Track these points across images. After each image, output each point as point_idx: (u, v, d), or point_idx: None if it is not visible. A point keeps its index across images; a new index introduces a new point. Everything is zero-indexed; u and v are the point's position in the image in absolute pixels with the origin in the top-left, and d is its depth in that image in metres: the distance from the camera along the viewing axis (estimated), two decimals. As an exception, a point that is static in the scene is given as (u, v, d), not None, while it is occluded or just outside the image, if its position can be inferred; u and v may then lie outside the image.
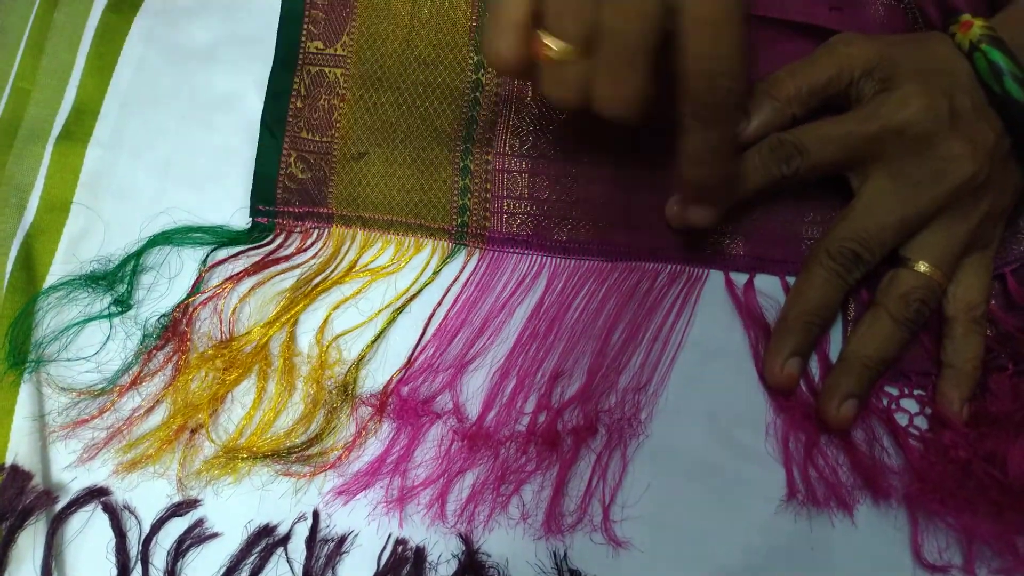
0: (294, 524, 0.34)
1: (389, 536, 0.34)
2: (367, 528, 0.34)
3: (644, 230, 0.39)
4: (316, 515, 0.34)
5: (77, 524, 0.34)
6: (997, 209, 0.38)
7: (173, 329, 0.36)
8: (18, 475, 0.33)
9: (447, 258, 0.38)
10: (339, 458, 0.35)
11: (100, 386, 0.35)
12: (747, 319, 0.38)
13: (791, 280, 0.39)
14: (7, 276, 0.36)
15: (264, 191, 0.38)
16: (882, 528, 0.36)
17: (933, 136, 0.36)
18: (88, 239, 0.37)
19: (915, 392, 0.39)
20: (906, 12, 0.43)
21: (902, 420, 0.38)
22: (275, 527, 0.34)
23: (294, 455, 0.35)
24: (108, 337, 0.36)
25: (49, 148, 0.38)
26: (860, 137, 0.37)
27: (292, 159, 0.38)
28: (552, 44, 0.32)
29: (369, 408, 0.35)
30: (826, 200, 0.40)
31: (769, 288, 0.39)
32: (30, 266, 0.36)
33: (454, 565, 0.34)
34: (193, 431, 0.35)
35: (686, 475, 0.36)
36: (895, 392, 0.39)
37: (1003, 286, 0.40)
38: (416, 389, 0.36)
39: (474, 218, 0.38)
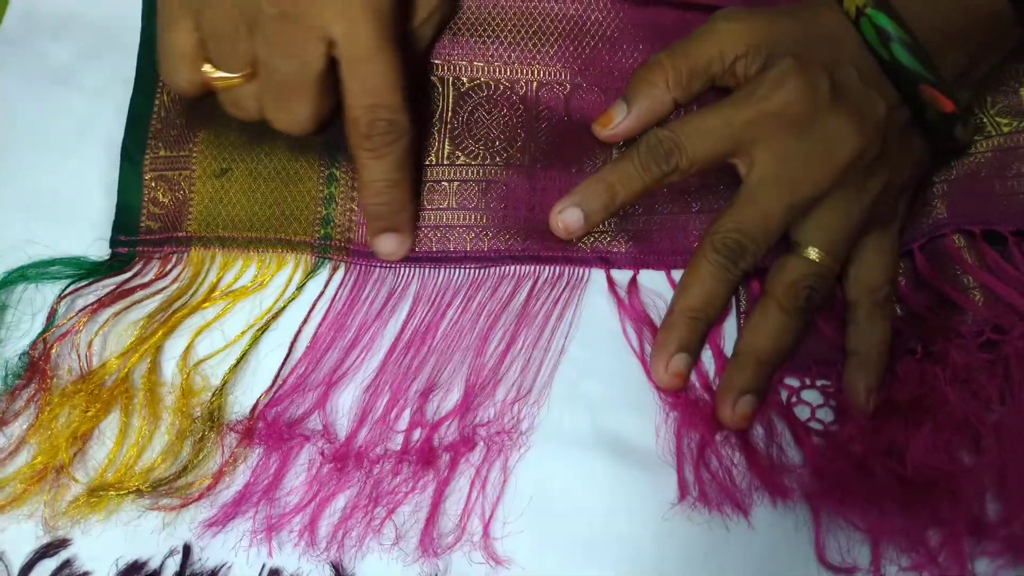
0: (165, 559, 0.34)
1: (263, 567, 0.34)
2: (239, 559, 0.34)
3: (518, 234, 0.38)
4: (187, 549, 0.35)
5: (-55, 572, 0.34)
6: (896, 183, 0.37)
7: (33, 367, 0.36)
8: None
9: (310, 273, 0.38)
10: (207, 488, 0.35)
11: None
12: (630, 318, 0.37)
13: (677, 274, 0.38)
14: None
15: (126, 221, 0.38)
16: (782, 530, 0.35)
17: (813, 114, 0.35)
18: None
19: (818, 383, 0.38)
20: None
21: (804, 413, 0.37)
22: (145, 562, 0.34)
23: (162, 488, 0.35)
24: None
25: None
26: (738, 124, 0.36)
27: (153, 184, 0.38)
28: (216, 74, 0.35)
29: (236, 435, 0.35)
30: (712, 188, 0.38)
31: (656, 284, 0.38)
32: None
33: (328, 593, 0.34)
34: (58, 470, 0.35)
35: (571, 485, 0.36)
36: (796, 384, 0.37)
37: (912, 264, 0.38)
38: (283, 411, 0.36)
39: (338, 230, 0.38)
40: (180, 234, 0.38)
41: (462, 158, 0.39)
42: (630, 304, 0.38)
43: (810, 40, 0.36)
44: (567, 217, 0.36)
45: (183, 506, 0.35)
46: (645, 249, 0.38)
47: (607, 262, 0.38)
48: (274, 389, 0.36)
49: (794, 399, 0.37)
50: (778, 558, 0.35)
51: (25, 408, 0.36)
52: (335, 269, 0.38)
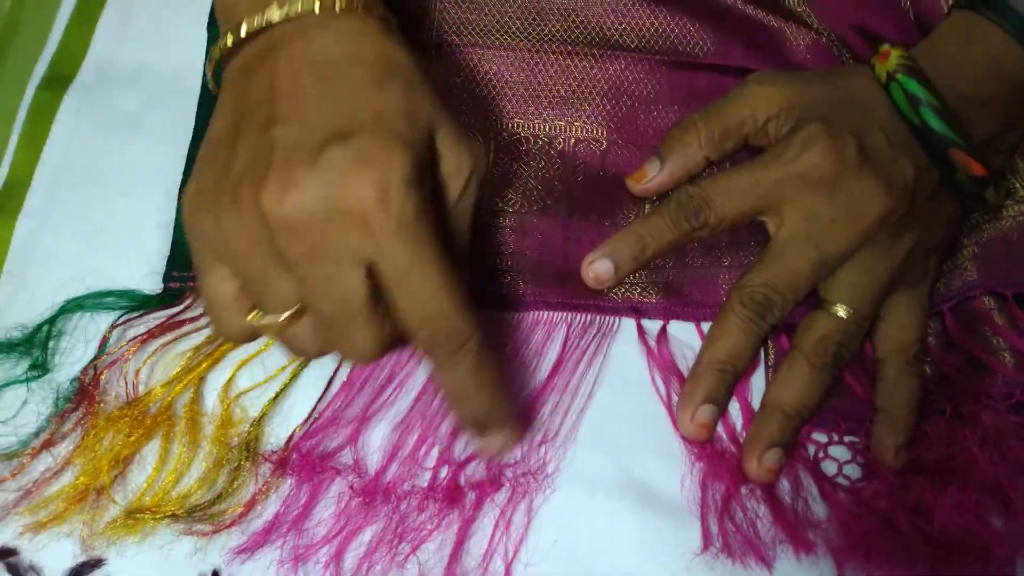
0: (195, 584, 0.35)
1: (286, 593, 0.35)
2: (267, 588, 0.35)
3: (551, 282, 0.39)
4: (216, 575, 0.35)
5: (-15, 585, 0.36)
6: (925, 243, 0.37)
7: (83, 392, 0.38)
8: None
9: None
10: (240, 516, 0.36)
11: (14, 449, 0.37)
12: (659, 367, 0.38)
13: (707, 326, 0.39)
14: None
15: (179, 258, 0.40)
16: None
17: (840, 176, 0.36)
18: (14, 307, 0.40)
19: (845, 439, 0.38)
20: (831, 47, 0.42)
21: (831, 469, 0.37)
22: (175, 586, 0.35)
23: (196, 514, 0.36)
24: (24, 401, 0.38)
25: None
26: (766, 184, 0.37)
27: None
28: (264, 321, 0.32)
29: (270, 465, 0.36)
30: (742, 244, 0.40)
31: (686, 335, 0.39)
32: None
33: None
34: (99, 492, 0.36)
35: (595, 529, 0.36)
36: (824, 439, 0.38)
37: (942, 325, 0.38)
38: (317, 445, 0.37)
39: None
40: None
41: (500, 204, 0.40)
42: (659, 353, 0.38)
43: (840, 104, 0.38)
44: (598, 267, 0.37)
45: (215, 532, 0.36)
46: (675, 301, 0.39)
47: (638, 312, 0.39)
48: (309, 423, 0.37)
49: (821, 454, 0.37)
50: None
51: (72, 431, 0.38)
52: None
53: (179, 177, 0.42)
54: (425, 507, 0.36)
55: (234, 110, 0.33)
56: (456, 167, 0.33)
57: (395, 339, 0.32)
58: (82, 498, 0.36)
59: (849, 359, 0.37)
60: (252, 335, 0.34)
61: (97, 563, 0.36)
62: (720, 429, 0.38)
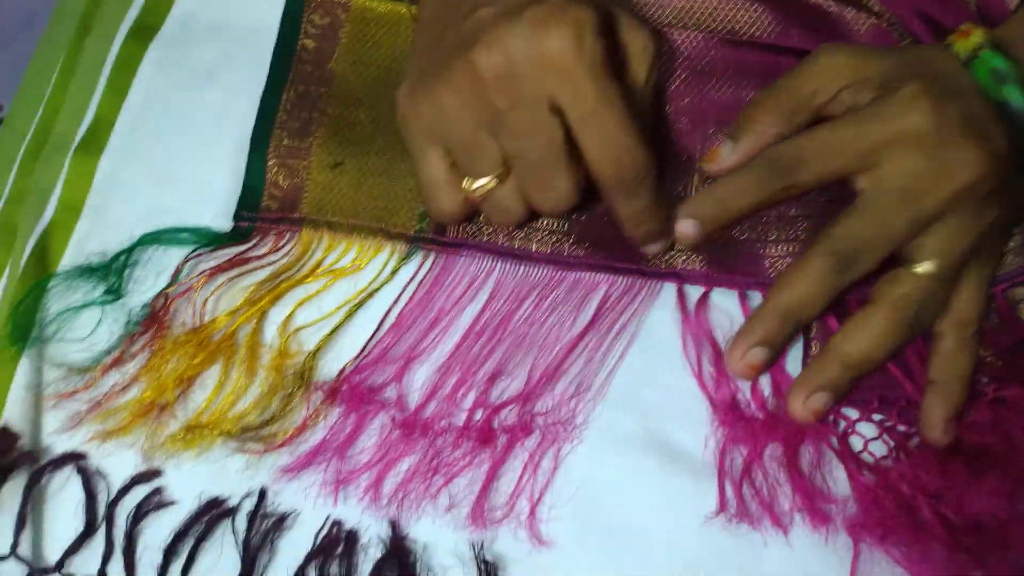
0: (243, 499, 0.39)
1: (327, 517, 0.38)
2: (308, 507, 0.38)
3: (596, 244, 0.41)
4: (263, 492, 0.39)
5: (57, 483, 0.39)
6: (1002, 221, 0.38)
7: (153, 317, 0.41)
8: (6, 436, 0.39)
9: (403, 260, 0.42)
10: (289, 438, 0.39)
11: (87, 364, 0.40)
12: (692, 334, 0.40)
13: (752, 294, 0.40)
14: (21, 266, 0.42)
15: (249, 200, 0.43)
16: (821, 554, 0.37)
17: (942, 136, 0.35)
18: (94, 238, 0.44)
19: (875, 417, 0.39)
20: (892, 32, 0.44)
21: (857, 445, 0.39)
22: (224, 500, 0.39)
23: (249, 434, 0.39)
24: (99, 322, 0.41)
25: (69, 157, 0.45)
26: (867, 142, 0.36)
27: (275, 169, 0.43)
28: (476, 185, 0.38)
29: (321, 394, 0.39)
30: (790, 220, 0.41)
31: (727, 304, 0.41)
32: (43, 259, 0.43)
33: (381, 548, 0.37)
34: (162, 408, 0.39)
35: (617, 481, 0.39)
36: (854, 415, 0.39)
37: (994, 306, 0.39)
38: (365, 379, 0.40)
39: (432, 224, 0.42)
40: (294, 215, 0.43)
41: None
42: (696, 320, 0.40)
43: (929, 72, 0.37)
44: (683, 227, 0.37)
45: (265, 451, 0.39)
46: (719, 269, 0.41)
47: (679, 278, 0.41)
48: (359, 358, 0.40)
49: (850, 429, 0.39)
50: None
51: (141, 351, 0.41)
52: (425, 258, 0.42)
53: (250, 126, 0.45)
54: (459, 445, 0.39)
55: (438, 6, 0.39)
56: (641, 48, 0.38)
57: (584, 187, 0.38)
58: (146, 412, 0.39)
59: (925, 324, 0.37)
60: (464, 210, 0.39)
61: (155, 473, 0.39)
62: (747, 395, 0.39)
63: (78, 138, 0.45)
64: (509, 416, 0.39)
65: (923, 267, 0.36)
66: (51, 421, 0.40)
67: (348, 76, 0.45)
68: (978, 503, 0.36)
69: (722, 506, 0.37)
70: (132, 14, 0.48)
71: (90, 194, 0.44)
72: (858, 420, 0.39)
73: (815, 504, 0.37)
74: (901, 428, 0.38)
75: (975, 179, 0.35)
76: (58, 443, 0.40)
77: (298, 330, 0.41)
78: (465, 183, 0.38)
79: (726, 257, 0.41)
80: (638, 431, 0.39)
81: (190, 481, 0.39)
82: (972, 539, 0.35)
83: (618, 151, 0.36)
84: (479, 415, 0.39)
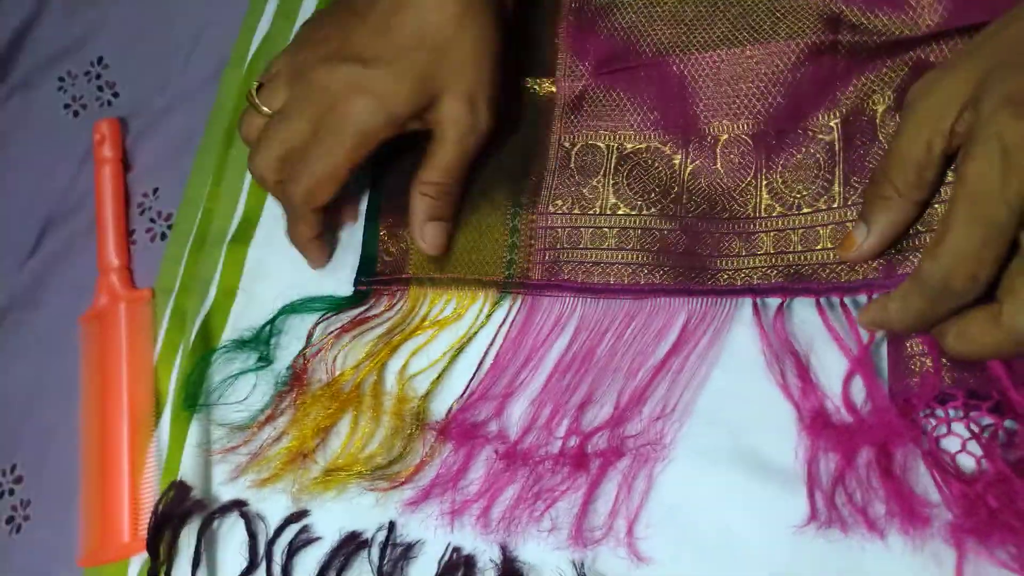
0: (376, 532, 0.44)
1: (448, 544, 0.42)
2: (433, 537, 0.43)
3: (671, 272, 0.44)
4: (392, 525, 0.44)
5: (225, 527, 0.46)
6: None
7: (295, 377, 0.47)
8: (183, 488, 0.46)
9: (495, 304, 0.47)
10: (411, 475, 0.44)
11: (245, 423, 0.48)
12: (773, 344, 0.41)
13: (826, 301, 0.41)
14: (191, 344, 0.51)
15: (366, 267, 0.49)
16: (920, 559, 0.36)
17: None
18: (247, 315, 0.52)
19: (971, 414, 0.38)
20: None
21: (954, 445, 0.38)
22: (360, 534, 0.44)
23: (378, 473, 0.44)
24: (254, 386, 0.49)
25: (224, 249, 0.53)
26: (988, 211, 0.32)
27: (386, 238, 0.49)
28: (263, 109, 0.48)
29: (434, 433, 0.44)
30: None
31: (805, 312, 0.42)
32: (207, 337, 0.51)
33: (494, 571, 0.41)
34: (304, 456, 0.46)
35: (709, 497, 0.40)
36: (946, 415, 0.38)
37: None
38: (470, 416, 0.44)
39: (518, 269, 0.47)
40: (403, 276, 0.48)
41: (622, 208, 0.46)
42: (775, 332, 0.41)
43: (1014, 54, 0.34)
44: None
45: (392, 488, 0.44)
46: (796, 281, 0.42)
47: (755, 292, 0.42)
48: (463, 398, 0.45)
49: (944, 429, 0.38)
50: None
51: (288, 408, 0.47)
52: (514, 301, 0.47)
53: (364, 208, 0.52)
54: (556, 471, 0.42)
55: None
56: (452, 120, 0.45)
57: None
58: (293, 460, 0.46)
59: None
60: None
61: (303, 514, 0.45)
62: (838, 401, 0.40)
63: (230, 233, 0.54)
64: (601, 441, 0.42)
65: None
66: (218, 474, 0.48)
67: None
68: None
69: (813, 515, 0.38)
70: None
71: (242, 278, 0.52)
72: (953, 420, 0.38)
73: (912, 507, 0.37)
74: (988, 421, 0.37)
75: None
76: (224, 492, 0.47)
77: (412, 377, 0.46)
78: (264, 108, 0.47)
79: (802, 268, 0.42)
80: (726, 446, 0.41)
81: (331, 519, 0.45)
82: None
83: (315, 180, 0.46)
84: (573, 442, 0.42)
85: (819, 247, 0.42)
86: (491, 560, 0.41)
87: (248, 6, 0.60)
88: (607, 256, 0.45)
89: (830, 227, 0.42)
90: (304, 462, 0.46)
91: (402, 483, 0.44)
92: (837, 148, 0.43)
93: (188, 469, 0.47)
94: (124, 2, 0.66)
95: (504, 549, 0.41)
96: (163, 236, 0.58)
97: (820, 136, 0.44)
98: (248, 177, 0.55)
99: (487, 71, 0.46)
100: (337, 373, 0.47)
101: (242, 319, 0.51)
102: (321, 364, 0.48)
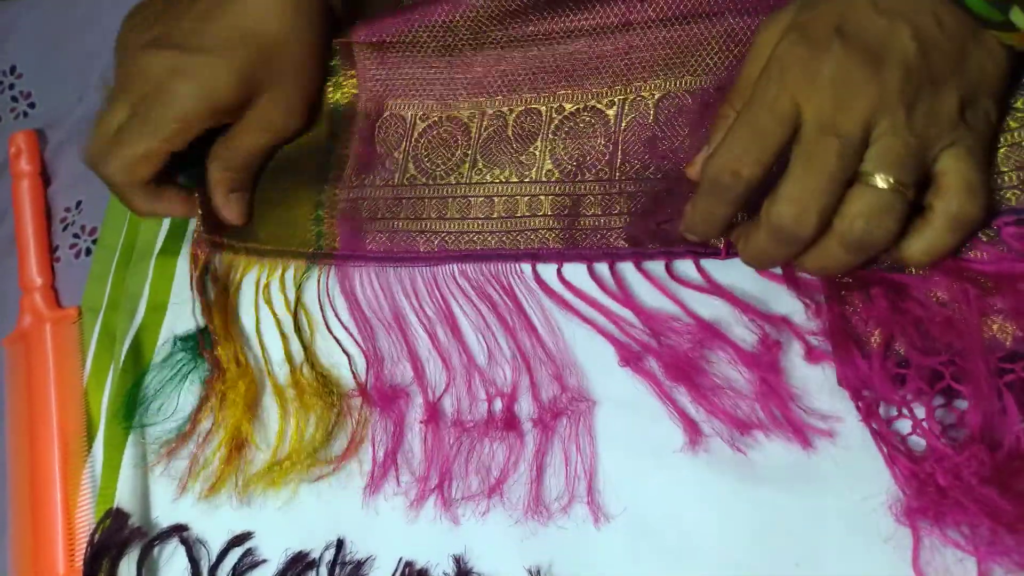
0: (323, 551, 0.42)
1: (400, 560, 0.41)
2: (382, 552, 0.42)
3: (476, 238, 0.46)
4: (340, 543, 0.42)
5: (166, 554, 0.44)
6: (957, 102, 0.36)
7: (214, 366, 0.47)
8: (119, 516, 0.44)
9: (305, 274, 0.49)
10: (350, 449, 0.44)
11: (180, 429, 0.46)
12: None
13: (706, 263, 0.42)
14: (121, 363, 0.48)
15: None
16: (879, 545, 0.36)
17: (825, 84, 0.36)
18: (179, 329, 0.49)
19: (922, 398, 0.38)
20: None
21: (906, 427, 0.37)
22: (307, 554, 0.43)
23: (321, 455, 0.44)
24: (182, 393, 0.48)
25: (152, 263, 0.51)
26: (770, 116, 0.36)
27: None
28: None
29: (358, 398, 0.45)
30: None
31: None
32: (138, 355, 0.49)
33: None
34: (241, 446, 0.45)
35: (651, 452, 0.40)
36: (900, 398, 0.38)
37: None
38: (384, 381, 0.45)
39: (326, 240, 0.48)
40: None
41: (420, 179, 0.48)
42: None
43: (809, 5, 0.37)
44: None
45: (336, 468, 0.43)
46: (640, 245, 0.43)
47: (535, 258, 0.45)
48: (369, 367, 0.45)
49: (894, 413, 0.37)
50: (871, 570, 0.36)
51: (212, 400, 0.46)
52: (321, 271, 0.48)
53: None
54: (495, 438, 0.42)
55: None
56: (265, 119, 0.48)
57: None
58: (232, 454, 0.44)
59: (883, 240, 0.35)
60: None
61: (246, 536, 0.44)
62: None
63: (158, 245, 0.52)
64: (526, 404, 0.42)
65: (878, 181, 0.35)
66: (157, 498, 0.46)
67: None
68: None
69: (692, 438, 0.39)
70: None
71: (173, 292, 0.50)
72: (904, 403, 0.38)
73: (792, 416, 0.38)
74: (940, 401, 0.37)
75: (881, 95, 0.34)
76: (164, 517, 0.45)
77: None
78: None
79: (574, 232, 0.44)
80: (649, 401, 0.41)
81: (276, 539, 0.43)
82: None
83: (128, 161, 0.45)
84: (499, 404, 0.42)
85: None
86: (444, 573, 0.40)
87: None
88: (404, 225, 0.47)
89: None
90: (243, 454, 0.45)
91: (343, 459, 0.43)
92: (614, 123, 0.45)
93: (125, 495, 0.45)
94: (35, 10, 0.64)
95: (459, 562, 0.40)
96: (88, 251, 0.56)
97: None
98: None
99: (309, 75, 0.49)
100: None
101: (174, 334, 0.49)
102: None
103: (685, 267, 0.42)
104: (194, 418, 0.46)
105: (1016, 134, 0.38)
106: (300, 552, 0.42)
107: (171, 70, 0.45)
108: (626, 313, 0.42)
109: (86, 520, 0.47)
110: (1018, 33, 0.35)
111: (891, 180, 0.34)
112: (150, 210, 0.48)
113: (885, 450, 0.37)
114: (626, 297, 0.42)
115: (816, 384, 0.39)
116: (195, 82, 0.45)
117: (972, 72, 0.36)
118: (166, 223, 0.52)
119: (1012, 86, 0.38)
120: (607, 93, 0.46)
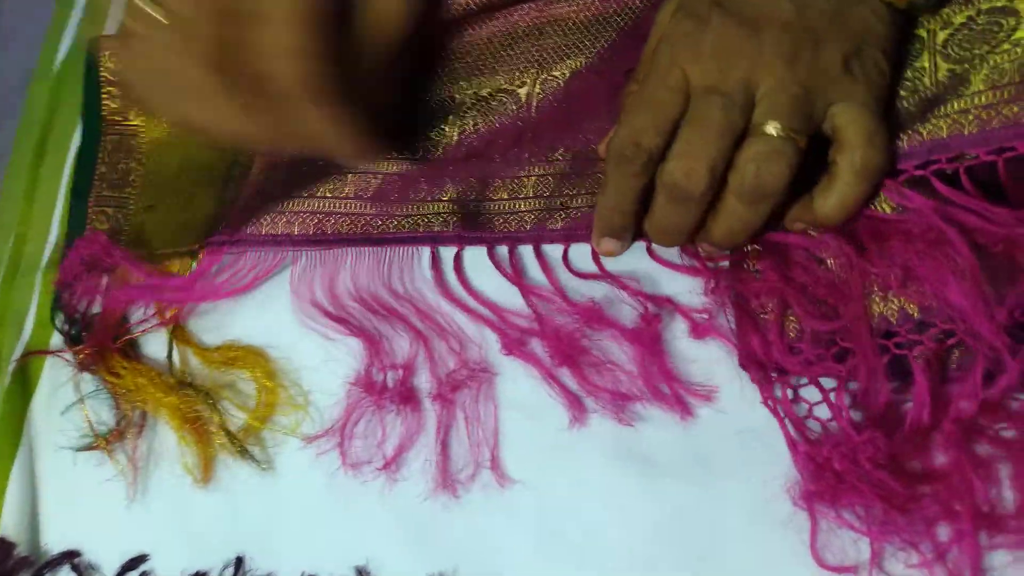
0: (223, 569, 0.41)
1: (302, 573, 0.40)
2: (285, 567, 0.41)
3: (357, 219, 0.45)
4: (240, 561, 0.41)
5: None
6: (840, 54, 0.37)
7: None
8: (5, 545, 0.42)
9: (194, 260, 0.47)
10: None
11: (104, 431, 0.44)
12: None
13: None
14: (7, 383, 0.46)
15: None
16: (779, 531, 0.36)
17: (707, 53, 0.37)
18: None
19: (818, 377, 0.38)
20: None
21: (803, 410, 0.37)
22: (206, 573, 0.41)
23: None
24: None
25: (38, 277, 0.49)
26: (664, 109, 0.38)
27: (95, 215, 0.49)
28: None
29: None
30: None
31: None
32: (25, 375, 0.47)
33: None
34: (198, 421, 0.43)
35: (552, 423, 0.40)
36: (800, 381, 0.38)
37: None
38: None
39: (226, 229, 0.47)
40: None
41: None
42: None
43: None
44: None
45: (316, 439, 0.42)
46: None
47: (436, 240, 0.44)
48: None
49: (790, 394, 0.38)
50: (771, 561, 0.36)
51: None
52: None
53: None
54: (397, 410, 0.41)
55: None
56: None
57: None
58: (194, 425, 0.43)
59: (778, 189, 0.36)
60: None
61: (142, 559, 0.42)
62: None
63: (45, 259, 0.50)
64: (424, 379, 0.42)
65: (767, 128, 0.36)
66: (46, 524, 0.43)
67: (151, 122, 0.51)
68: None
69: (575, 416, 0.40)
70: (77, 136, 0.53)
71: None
72: (800, 387, 0.38)
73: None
74: (833, 384, 0.37)
75: (759, 58, 0.36)
76: (53, 544, 0.43)
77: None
78: None
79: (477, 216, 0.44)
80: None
81: (173, 559, 0.41)
82: (930, 488, 0.34)
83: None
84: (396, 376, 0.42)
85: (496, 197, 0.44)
86: (350, 586, 0.39)
87: (52, 15, 0.56)
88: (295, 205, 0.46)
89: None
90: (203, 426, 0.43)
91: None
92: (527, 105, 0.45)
93: (10, 522, 0.43)
94: None
95: (361, 572, 0.39)
96: (-29, 268, 0.53)
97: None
98: (62, 198, 0.51)
99: None
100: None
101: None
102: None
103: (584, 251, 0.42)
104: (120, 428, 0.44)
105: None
106: (198, 572, 0.41)
107: None
108: (517, 298, 0.42)
109: (-30, 552, 0.45)
110: None
111: (779, 125, 0.36)
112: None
113: (788, 430, 0.37)
114: (519, 281, 0.42)
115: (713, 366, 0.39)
116: None
117: (854, 25, 0.37)
118: (53, 234, 0.50)
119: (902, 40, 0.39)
120: (519, 77, 0.46)
